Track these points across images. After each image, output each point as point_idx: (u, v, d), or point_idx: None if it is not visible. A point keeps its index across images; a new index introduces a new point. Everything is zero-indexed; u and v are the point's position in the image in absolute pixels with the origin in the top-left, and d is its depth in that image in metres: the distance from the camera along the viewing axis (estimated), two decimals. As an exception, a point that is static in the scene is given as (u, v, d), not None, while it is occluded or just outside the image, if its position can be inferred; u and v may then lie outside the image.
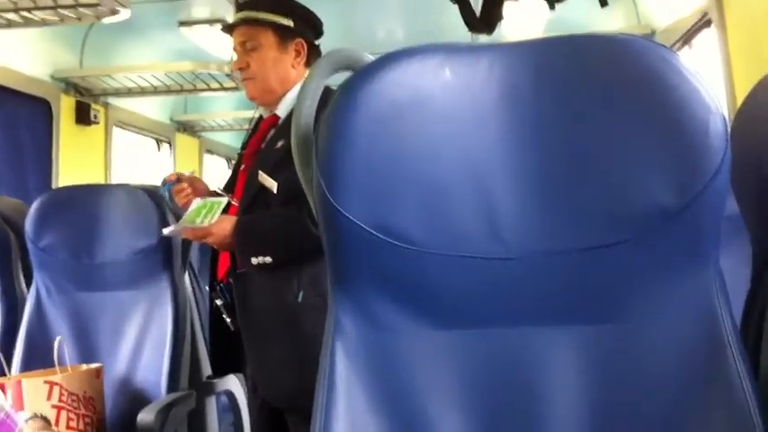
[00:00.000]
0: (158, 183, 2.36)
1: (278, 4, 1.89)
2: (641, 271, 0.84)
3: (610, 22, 3.60)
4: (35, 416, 1.36)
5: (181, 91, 4.18)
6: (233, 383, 2.39)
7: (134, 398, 2.01)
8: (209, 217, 1.72)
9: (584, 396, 0.85)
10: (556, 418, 0.85)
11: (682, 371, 0.83)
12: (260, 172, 1.78)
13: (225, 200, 1.79)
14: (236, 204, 1.86)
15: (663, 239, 0.82)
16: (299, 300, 1.72)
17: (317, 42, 1.99)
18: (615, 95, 0.84)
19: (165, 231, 1.83)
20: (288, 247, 1.73)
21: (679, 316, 0.85)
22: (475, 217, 0.85)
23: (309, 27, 1.95)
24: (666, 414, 0.82)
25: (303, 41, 1.92)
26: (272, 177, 1.76)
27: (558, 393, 0.86)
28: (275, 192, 1.75)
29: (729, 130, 0.84)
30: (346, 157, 0.87)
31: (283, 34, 1.89)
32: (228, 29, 1.94)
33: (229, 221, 1.76)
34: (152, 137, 4.88)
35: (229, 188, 1.95)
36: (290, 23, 1.89)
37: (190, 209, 1.72)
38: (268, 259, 1.72)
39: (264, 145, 1.88)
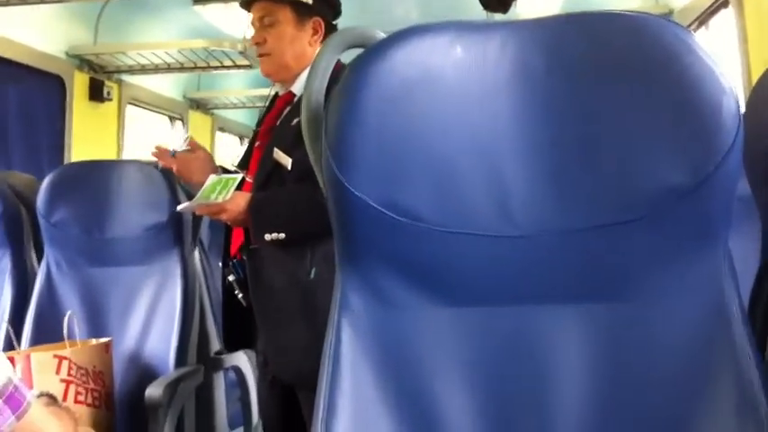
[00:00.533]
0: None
1: None
2: (651, 250, 0.84)
3: (627, 2, 3.56)
4: (41, 394, 1.37)
5: (194, 68, 4.18)
6: (241, 359, 2.41)
7: (143, 372, 2.02)
8: (224, 193, 1.72)
9: (591, 374, 0.85)
10: (563, 396, 0.85)
11: (689, 351, 0.83)
12: (275, 149, 1.78)
13: (240, 176, 1.79)
14: (250, 181, 1.86)
15: (673, 219, 0.82)
16: (312, 276, 1.72)
17: (334, 22, 1.98)
18: (628, 74, 0.83)
19: (180, 207, 1.84)
20: (302, 224, 1.73)
21: (688, 296, 0.84)
22: (485, 195, 0.84)
23: (328, 5, 1.95)
24: (673, 393, 0.82)
25: (321, 20, 1.92)
26: (287, 154, 1.76)
27: (566, 371, 0.86)
28: (290, 169, 1.75)
29: (744, 110, 0.83)
30: (356, 134, 0.87)
31: (301, 11, 1.89)
32: (246, 4, 1.93)
33: (243, 197, 1.76)
34: (165, 114, 4.88)
35: (244, 164, 1.95)
36: (309, 1, 1.88)
37: (205, 185, 1.72)
38: (282, 235, 1.72)
39: (280, 122, 1.88)
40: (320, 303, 1.67)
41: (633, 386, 0.84)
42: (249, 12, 1.94)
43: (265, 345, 1.85)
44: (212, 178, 1.74)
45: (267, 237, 1.73)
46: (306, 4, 1.88)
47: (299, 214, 1.72)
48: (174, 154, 1.86)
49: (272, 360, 1.84)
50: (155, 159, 1.98)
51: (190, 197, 1.85)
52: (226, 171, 1.95)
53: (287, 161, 1.75)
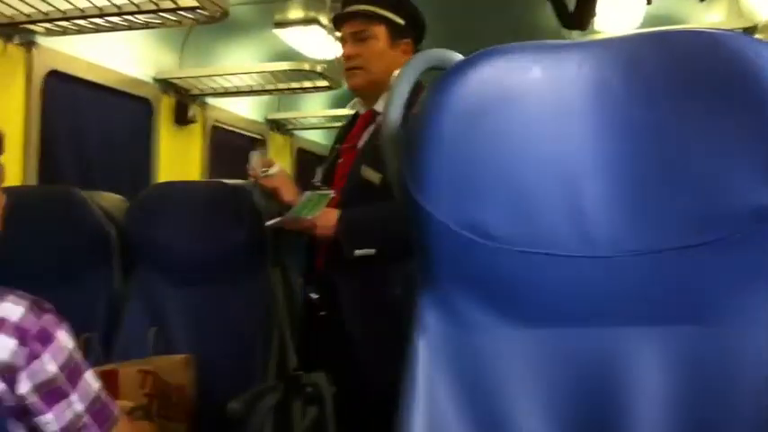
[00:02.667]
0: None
1: (392, 2, 1.91)
2: (733, 272, 0.82)
3: (709, 16, 3.47)
4: (135, 408, 1.42)
5: (274, 90, 4.26)
6: (320, 378, 2.42)
7: (224, 388, 2.05)
8: (316, 210, 1.75)
9: (672, 398, 0.83)
10: (642, 421, 0.83)
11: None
12: (363, 166, 1.81)
13: (331, 193, 1.82)
14: (334, 196, 1.88)
15: (755, 241, 0.79)
16: (398, 292, 1.73)
17: (418, 46, 2.00)
18: (708, 92, 0.81)
19: (269, 223, 1.87)
20: (392, 240, 1.74)
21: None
22: (563, 215, 0.84)
23: (417, 30, 1.97)
24: (754, 421, 0.79)
25: (411, 42, 1.94)
26: (375, 171, 1.77)
27: (646, 395, 0.84)
28: (378, 185, 1.77)
29: None
30: (433, 155, 0.87)
31: (395, 31, 1.92)
32: (340, 19, 1.96)
33: (333, 213, 1.79)
34: (247, 135, 4.99)
35: (326, 181, 1.98)
36: (402, 22, 1.91)
37: (300, 201, 1.76)
38: (371, 251, 1.74)
39: (366, 139, 1.90)
40: (407, 319, 1.68)
41: (711, 411, 0.81)
42: (339, 29, 1.97)
43: (352, 360, 1.85)
44: (307, 195, 1.77)
45: (357, 252, 1.75)
46: (399, 24, 1.90)
47: (389, 230, 1.73)
48: (265, 174, 1.87)
49: (352, 377, 1.84)
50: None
51: (272, 216, 1.87)
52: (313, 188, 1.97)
53: (375, 177, 1.77)
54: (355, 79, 1.94)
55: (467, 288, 0.90)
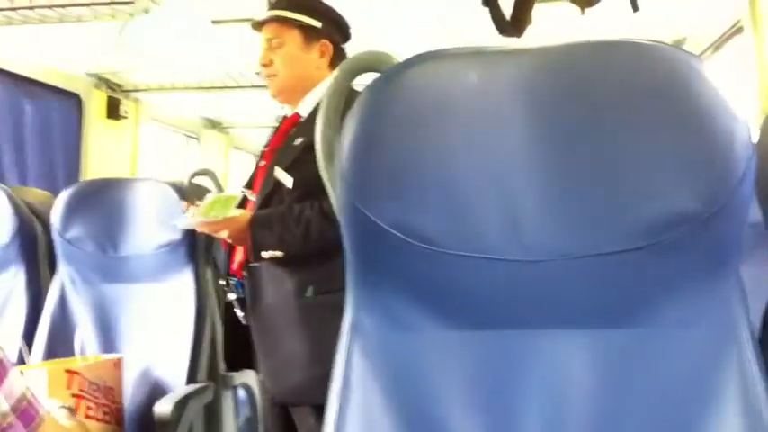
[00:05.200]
0: (185, 178, 2.38)
1: (307, 5, 1.91)
2: (662, 277, 0.84)
3: (639, 28, 3.56)
4: (62, 406, 1.38)
5: (211, 88, 4.21)
6: (250, 377, 2.40)
7: (153, 389, 2.02)
8: (224, 211, 1.74)
9: (600, 399, 0.85)
10: (571, 421, 0.85)
11: (699, 376, 0.83)
12: (276, 168, 1.80)
13: (239, 194, 1.81)
14: (253, 200, 1.87)
15: (685, 246, 0.82)
16: (308, 295, 1.73)
17: (343, 45, 2.00)
18: (639, 101, 0.83)
19: (180, 224, 1.85)
20: (299, 243, 1.74)
21: (698, 323, 0.84)
22: (497, 219, 0.85)
23: (337, 29, 1.96)
24: (680, 420, 0.82)
25: (329, 43, 1.93)
26: (288, 174, 1.77)
27: (575, 396, 0.86)
28: (291, 188, 1.76)
29: (758, 137, 0.83)
30: (370, 158, 0.88)
31: (309, 34, 1.91)
32: (258, 26, 1.95)
33: (244, 216, 1.78)
34: (181, 133, 4.92)
35: (249, 184, 1.97)
36: (318, 24, 1.90)
37: (204, 202, 1.73)
38: (279, 253, 1.74)
39: (284, 143, 1.89)
40: (316, 323, 1.68)
41: (643, 410, 0.84)
42: (260, 33, 1.96)
43: (261, 363, 1.85)
44: (211, 196, 1.75)
45: (265, 254, 1.75)
46: (314, 27, 1.90)
47: (297, 233, 1.74)
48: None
49: (267, 378, 1.84)
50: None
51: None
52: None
53: (288, 180, 1.77)
54: (271, 87, 1.94)
55: (400, 290, 0.91)
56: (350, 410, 0.88)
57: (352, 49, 1.98)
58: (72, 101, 3.58)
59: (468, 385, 0.88)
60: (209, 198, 1.75)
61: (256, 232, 1.76)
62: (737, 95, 0.83)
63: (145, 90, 4.06)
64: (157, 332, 2.10)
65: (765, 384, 0.81)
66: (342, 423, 0.87)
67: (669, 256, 0.82)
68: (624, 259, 0.83)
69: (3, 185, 2.27)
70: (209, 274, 2.28)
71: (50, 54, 3.34)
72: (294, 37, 1.90)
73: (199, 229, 1.88)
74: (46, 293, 2.24)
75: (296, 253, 1.75)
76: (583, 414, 0.85)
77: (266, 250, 1.75)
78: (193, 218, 1.76)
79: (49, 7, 2.48)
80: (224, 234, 1.78)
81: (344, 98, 1.16)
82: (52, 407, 1.22)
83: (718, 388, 0.82)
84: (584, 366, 0.86)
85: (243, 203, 1.87)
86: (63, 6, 2.47)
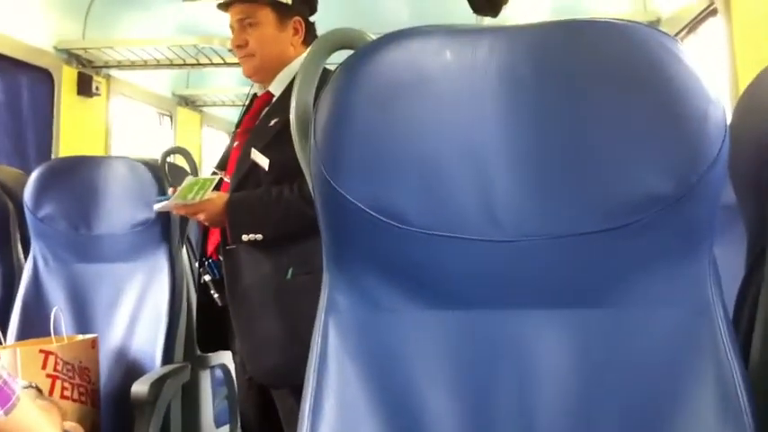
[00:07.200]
0: (158, 156, 2.36)
1: None
2: (636, 257, 0.85)
3: (615, 8, 3.58)
4: (29, 385, 1.37)
5: (183, 65, 4.16)
6: (227, 357, 2.40)
7: (129, 369, 2.02)
8: (201, 194, 1.73)
9: (574, 377, 0.86)
10: (547, 399, 0.86)
11: (673, 355, 0.84)
12: (252, 149, 1.78)
13: (217, 177, 1.80)
14: (228, 181, 1.86)
15: (658, 227, 0.82)
16: (288, 277, 1.73)
17: (311, 19, 1.98)
18: (614, 81, 0.83)
19: (156, 207, 1.83)
20: (279, 225, 1.73)
21: (672, 302, 0.85)
22: (472, 199, 0.85)
23: (306, 4, 1.94)
24: (654, 399, 0.83)
25: (301, 19, 1.92)
26: (264, 155, 1.76)
27: (550, 375, 0.86)
28: (267, 169, 1.75)
29: (731, 119, 0.83)
30: (344, 136, 0.87)
31: (282, 12, 1.89)
32: (224, 6, 1.92)
33: (221, 198, 1.76)
34: (153, 110, 4.87)
35: (222, 165, 1.95)
36: (289, 1, 1.88)
37: (182, 186, 1.72)
38: (259, 236, 1.73)
39: (258, 122, 1.87)
40: (295, 304, 1.68)
41: (616, 389, 0.85)
42: (227, 13, 1.92)
43: (240, 345, 1.85)
44: (189, 179, 1.74)
45: (245, 237, 1.74)
46: (286, 4, 1.88)
47: (276, 216, 1.73)
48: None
49: (246, 360, 1.84)
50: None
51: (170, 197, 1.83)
52: None
53: (264, 162, 1.76)
54: (248, 67, 1.91)
55: (376, 269, 0.91)
56: (326, 390, 0.88)
57: (326, 26, 1.97)
58: (42, 77, 3.52)
59: (444, 364, 0.89)
60: (187, 181, 1.74)
61: (234, 215, 1.76)
62: (712, 77, 0.83)
63: (116, 67, 4.01)
64: (132, 312, 2.09)
65: (738, 363, 0.82)
66: (318, 403, 0.88)
67: (642, 237, 0.83)
68: (598, 240, 0.83)
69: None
70: (183, 254, 2.27)
71: (19, 28, 3.28)
72: (267, 15, 1.87)
73: (175, 212, 1.87)
74: (19, 273, 2.22)
75: (275, 236, 1.74)
76: (557, 392, 0.86)
77: (245, 233, 1.74)
78: (170, 201, 1.75)
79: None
80: (201, 216, 1.77)
81: (319, 76, 1.15)
82: (22, 385, 1.22)
83: (691, 367, 0.83)
84: (558, 345, 0.87)
85: (218, 185, 1.86)
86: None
